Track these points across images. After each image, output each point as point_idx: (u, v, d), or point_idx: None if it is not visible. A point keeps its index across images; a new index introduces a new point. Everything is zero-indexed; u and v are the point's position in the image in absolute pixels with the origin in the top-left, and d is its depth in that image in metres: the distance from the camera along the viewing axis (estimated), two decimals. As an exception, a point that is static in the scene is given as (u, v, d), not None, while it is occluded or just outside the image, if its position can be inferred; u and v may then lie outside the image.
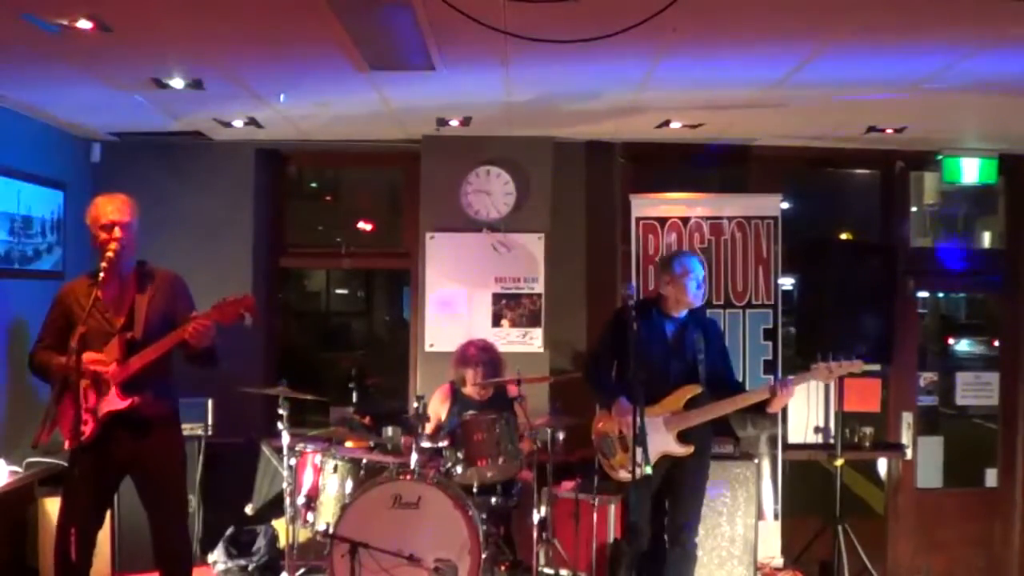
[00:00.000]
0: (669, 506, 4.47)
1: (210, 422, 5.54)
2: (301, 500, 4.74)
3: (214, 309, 3.82)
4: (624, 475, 4.36)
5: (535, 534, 4.70)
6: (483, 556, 4.32)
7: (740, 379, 4.83)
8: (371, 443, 5.00)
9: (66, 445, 3.81)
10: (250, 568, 5.29)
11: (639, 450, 3.83)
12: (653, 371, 4.31)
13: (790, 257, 5.92)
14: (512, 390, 4.98)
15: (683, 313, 4.49)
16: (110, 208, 3.88)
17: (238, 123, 5.54)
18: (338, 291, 9.13)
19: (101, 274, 3.76)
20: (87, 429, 3.77)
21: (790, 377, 4.43)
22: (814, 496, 6.28)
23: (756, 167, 6.33)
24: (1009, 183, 6.51)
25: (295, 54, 4.11)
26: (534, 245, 6.01)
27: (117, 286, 3.92)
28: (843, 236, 6.83)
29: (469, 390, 5.26)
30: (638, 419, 3.84)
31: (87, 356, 3.75)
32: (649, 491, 4.33)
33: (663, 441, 4.31)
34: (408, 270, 6.49)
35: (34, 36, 3.66)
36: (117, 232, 3.84)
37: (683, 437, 4.35)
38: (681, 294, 4.44)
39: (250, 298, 3.87)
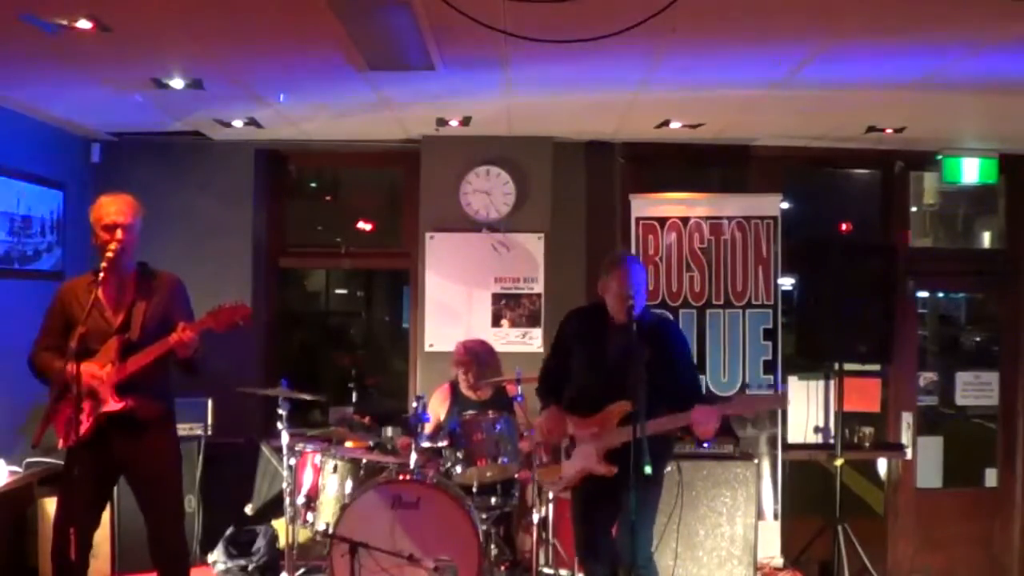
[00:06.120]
0: (617, 531, 4.06)
1: (210, 422, 5.53)
2: (301, 500, 4.74)
3: (209, 316, 3.83)
4: (546, 486, 4.24)
5: (535, 534, 4.69)
6: (483, 556, 4.32)
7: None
8: (371, 443, 5.01)
9: (60, 444, 3.81)
10: (250, 568, 5.28)
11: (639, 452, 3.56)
12: (587, 384, 4.03)
13: (790, 257, 5.92)
14: (511, 390, 4.98)
15: (632, 315, 3.89)
16: (113, 209, 3.87)
17: (238, 123, 5.53)
18: (338, 291, 9.11)
19: (101, 274, 3.77)
20: (81, 428, 3.76)
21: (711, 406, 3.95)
22: (814, 496, 6.27)
23: (756, 167, 6.33)
24: (1009, 183, 6.51)
25: (295, 54, 4.11)
26: (534, 245, 6.01)
27: (117, 286, 3.92)
28: (843, 236, 6.82)
29: (467, 390, 5.27)
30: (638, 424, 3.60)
31: (85, 369, 3.75)
32: (581, 507, 4.13)
33: (586, 458, 4.01)
34: (408, 270, 6.49)
35: (34, 36, 3.66)
36: (119, 234, 3.83)
37: (612, 457, 3.92)
38: (613, 301, 3.99)
39: (246, 308, 3.88)
